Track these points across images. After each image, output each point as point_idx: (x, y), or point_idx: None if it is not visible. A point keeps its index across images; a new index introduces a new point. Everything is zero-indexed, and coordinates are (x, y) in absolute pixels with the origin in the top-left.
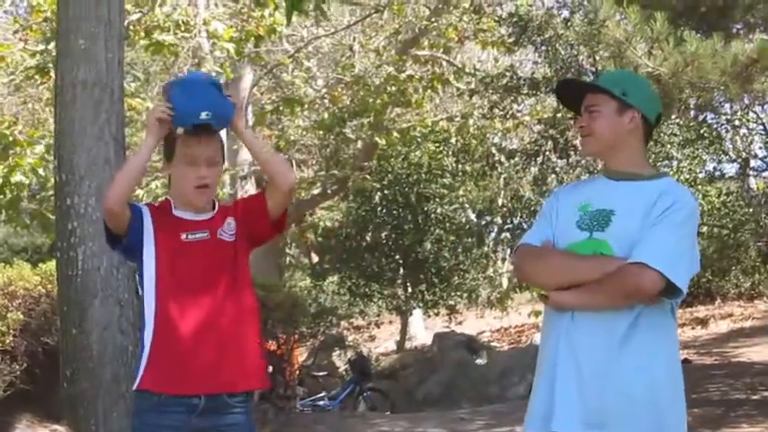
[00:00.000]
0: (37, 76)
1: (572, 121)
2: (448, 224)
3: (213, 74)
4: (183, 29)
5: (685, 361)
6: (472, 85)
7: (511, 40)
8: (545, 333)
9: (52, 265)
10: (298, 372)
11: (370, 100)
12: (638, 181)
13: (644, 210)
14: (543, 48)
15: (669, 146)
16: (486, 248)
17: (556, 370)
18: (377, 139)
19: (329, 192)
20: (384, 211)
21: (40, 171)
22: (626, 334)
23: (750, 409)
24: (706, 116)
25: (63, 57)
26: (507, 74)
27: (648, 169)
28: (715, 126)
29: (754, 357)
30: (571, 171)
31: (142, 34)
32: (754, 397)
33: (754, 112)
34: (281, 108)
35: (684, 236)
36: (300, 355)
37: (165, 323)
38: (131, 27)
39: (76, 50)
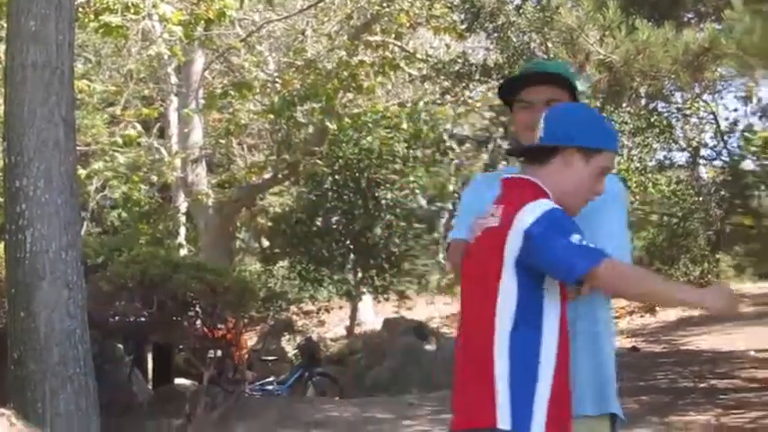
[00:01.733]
0: None
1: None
2: (398, 210)
3: (165, 56)
4: (132, 11)
5: (633, 349)
6: (424, 72)
7: (463, 26)
8: None
9: (0, 247)
10: (247, 356)
11: (322, 85)
12: None
13: None
14: (495, 34)
15: (620, 134)
16: (436, 234)
17: None
18: (328, 124)
19: (280, 176)
20: (335, 196)
21: None
22: (573, 320)
23: (698, 397)
24: (657, 105)
25: (13, 38)
26: (459, 60)
27: None
28: (666, 115)
29: (702, 345)
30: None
31: (92, 16)
32: (702, 385)
33: (705, 102)
34: (230, 92)
35: (623, 223)
36: (250, 339)
37: (563, 361)
38: (81, 9)
39: (27, 32)
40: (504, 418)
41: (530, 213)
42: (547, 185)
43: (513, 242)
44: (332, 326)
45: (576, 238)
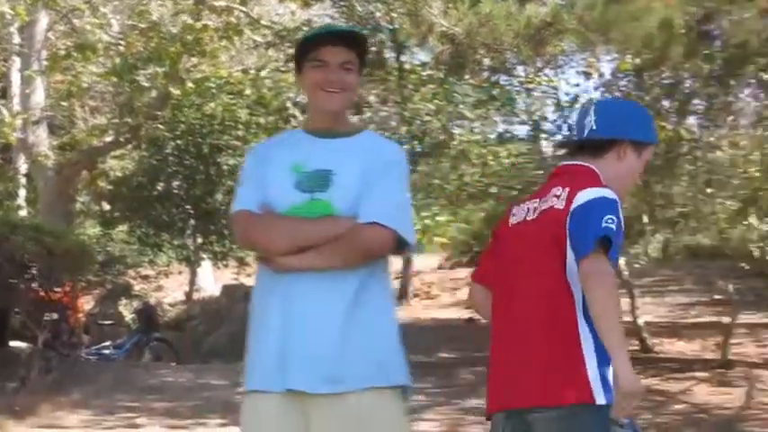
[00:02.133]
0: None
1: (368, 78)
2: (240, 176)
3: (8, 16)
4: None
5: (470, 320)
6: (269, 38)
7: None
8: (266, 292)
9: None
10: (83, 320)
11: (165, 49)
12: (344, 137)
13: (362, 167)
14: (340, 3)
15: (462, 106)
16: None
17: (287, 329)
18: (171, 88)
19: (122, 140)
20: (176, 161)
21: None
22: (357, 292)
23: None
24: (499, 78)
25: None
26: (304, 28)
27: (347, 125)
28: (508, 88)
29: None
30: (365, 127)
31: None
32: None
33: (547, 76)
34: (74, 54)
35: (406, 189)
36: (87, 303)
37: None
38: None
39: None
40: (599, 394)
41: (586, 195)
42: (601, 176)
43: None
44: (170, 291)
45: (607, 220)
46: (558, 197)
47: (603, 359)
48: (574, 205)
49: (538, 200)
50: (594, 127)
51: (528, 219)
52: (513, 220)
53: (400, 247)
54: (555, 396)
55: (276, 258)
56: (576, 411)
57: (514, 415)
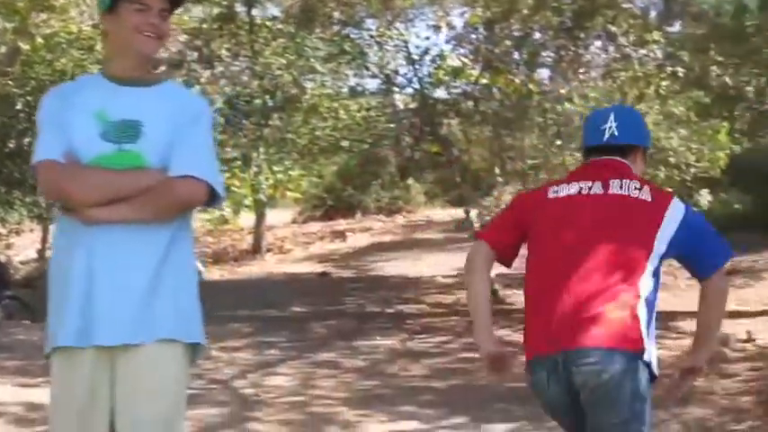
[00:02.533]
0: None
1: (219, 33)
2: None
3: None
4: None
5: (323, 274)
6: None
7: None
8: (71, 244)
9: None
10: None
11: (12, 2)
12: (148, 86)
13: (171, 118)
14: None
15: (313, 60)
16: None
17: (93, 284)
18: (21, 44)
19: None
20: (27, 117)
21: None
22: (168, 245)
23: (384, 322)
24: (350, 31)
25: None
26: None
27: (150, 74)
28: (358, 41)
29: (390, 271)
30: (216, 81)
31: None
32: (389, 310)
33: (397, 29)
34: None
35: (212, 142)
36: None
37: None
38: None
39: None
40: (648, 352)
41: (680, 206)
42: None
43: (670, 224)
44: (22, 249)
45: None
46: (638, 189)
47: (650, 332)
48: (683, 213)
49: (593, 182)
50: (616, 133)
51: (585, 193)
52: (558, 194)
53: (211, 200)
54: (618, 341)
55: (85, 210)
56: (632, 358)
57: (571, 355)
